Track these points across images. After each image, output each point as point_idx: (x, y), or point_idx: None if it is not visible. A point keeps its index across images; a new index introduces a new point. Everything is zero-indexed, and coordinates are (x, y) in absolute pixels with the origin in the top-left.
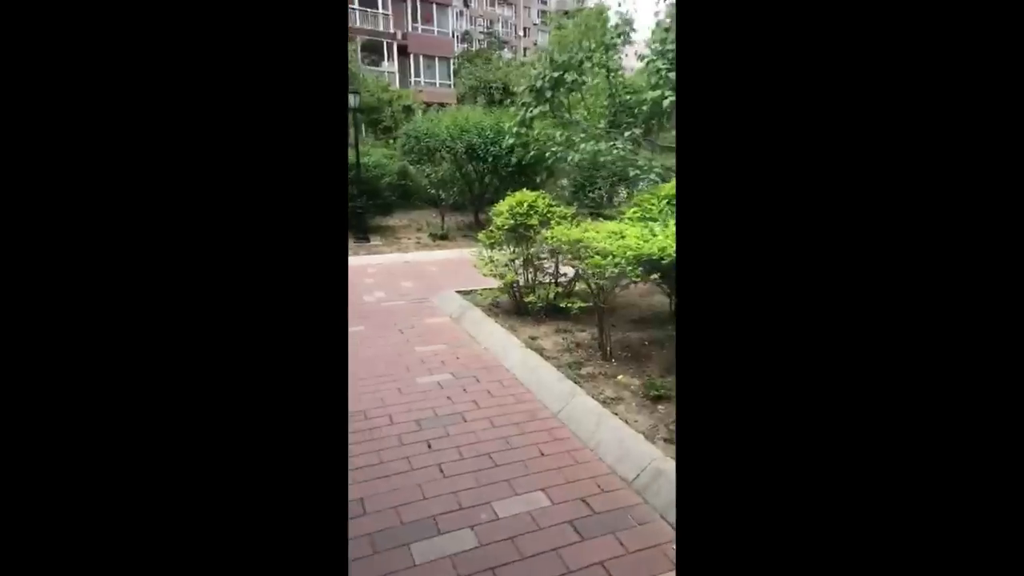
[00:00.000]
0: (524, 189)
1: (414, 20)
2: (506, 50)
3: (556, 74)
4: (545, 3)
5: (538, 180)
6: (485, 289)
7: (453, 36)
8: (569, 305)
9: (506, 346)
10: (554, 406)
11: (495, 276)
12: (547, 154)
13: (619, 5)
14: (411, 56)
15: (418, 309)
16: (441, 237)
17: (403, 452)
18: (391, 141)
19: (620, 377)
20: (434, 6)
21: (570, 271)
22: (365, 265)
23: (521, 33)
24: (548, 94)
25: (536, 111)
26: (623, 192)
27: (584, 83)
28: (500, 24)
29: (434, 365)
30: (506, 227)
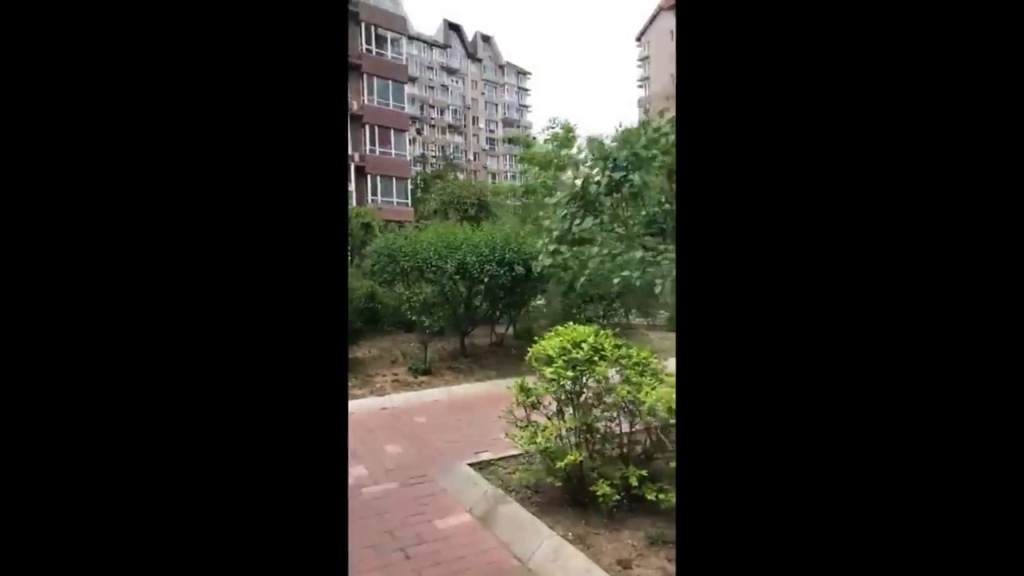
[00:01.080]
0: (573, 324)
1: (371, 144)
2: (459, 173)
3: (617, 175)
4: (493, 132)
5: (528, 298)
6: (508, 458)
7: (411, 160)
8: (660, 497)
9: None
10: None
11: (541, 451)
12: (615, 279)
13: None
14: (368, 176)
15: (419, 499)
16: (424, 372)
17: None
18: (351, 259)
19: None
20: (391, 131)
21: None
22: None
23: (472, 158)
24: (607, 201)
25: (588, 223)
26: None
27: (648, 185)
28: (451, 149)
29: None
30: (565, 380)
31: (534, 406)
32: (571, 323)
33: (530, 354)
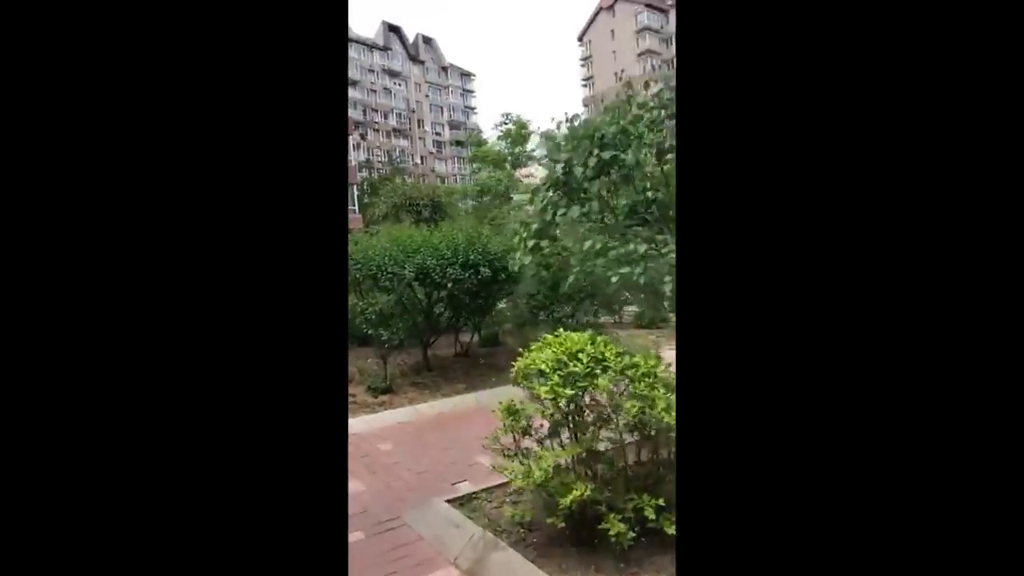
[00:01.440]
0: (559, 331)
1: None
2: (406, 177)
3: (606, 155)
4: (439, 134)
5: (495, 302)
6: (492, 488)
7: (356, 165)
8: None
9: None
10: None
11: (538, 486)
12: (612, 276)
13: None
14: None
15: (391, 551)
16: (384, 390)
17: None
18: None
19: None
20: None
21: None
22: None
23: (419, 161)
24: (595, 186)
25: (574, 211)
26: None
27: (641, 164)
28: (397, 153)
29: None
30: (563, 399)
31: (524, 431)
32: (560, 329)
33: (516, 369)
